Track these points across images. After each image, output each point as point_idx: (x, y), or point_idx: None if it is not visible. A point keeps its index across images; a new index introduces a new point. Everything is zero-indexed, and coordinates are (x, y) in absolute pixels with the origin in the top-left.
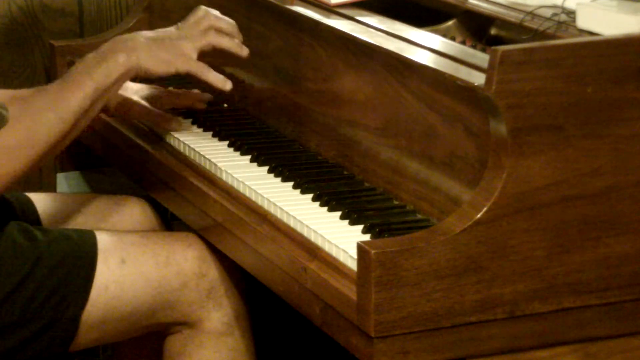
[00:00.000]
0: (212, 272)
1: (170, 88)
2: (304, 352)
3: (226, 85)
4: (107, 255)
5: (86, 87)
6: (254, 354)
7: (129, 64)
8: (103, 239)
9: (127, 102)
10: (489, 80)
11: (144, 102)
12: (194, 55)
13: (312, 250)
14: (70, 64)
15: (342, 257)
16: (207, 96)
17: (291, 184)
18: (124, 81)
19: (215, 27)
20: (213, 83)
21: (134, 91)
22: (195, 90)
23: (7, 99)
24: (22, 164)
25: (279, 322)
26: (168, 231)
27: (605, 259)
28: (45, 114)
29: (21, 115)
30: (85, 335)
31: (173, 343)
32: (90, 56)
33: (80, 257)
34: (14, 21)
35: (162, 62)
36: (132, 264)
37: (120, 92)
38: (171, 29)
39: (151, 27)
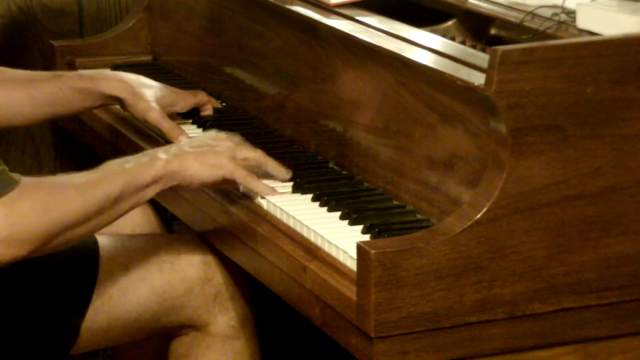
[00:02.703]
0: (218, 276)
1: (187, 92)
2: (309, 354)
3: (286, 175)
4: (111, 262)
5: (117, 176)
6: (260, 357)
7: (168, 167)
8: (106, 245)
9: (143, 105)
10: (489, 80)
11: (157, 108)
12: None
13: (312, 251)
14: (70, 64)
15: (341, 257)
16: (217, 104)
17: (291, 184)
18: (164, 186)
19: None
20: (275, 174)
21: (153, 95)
22: (204, 96)
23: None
24: (35, 232)
25: (284, 325)
26: (170, 234)
27: (605, 259)
28: (67, 190)
29: (41, 184)
30: (88, 341)
31: (179, 345)
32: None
33: (82, 264)
34: (14, 21)
35: (209, 167)
36: (135, 271)
37: (142, 92)
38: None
39: (151, 27)
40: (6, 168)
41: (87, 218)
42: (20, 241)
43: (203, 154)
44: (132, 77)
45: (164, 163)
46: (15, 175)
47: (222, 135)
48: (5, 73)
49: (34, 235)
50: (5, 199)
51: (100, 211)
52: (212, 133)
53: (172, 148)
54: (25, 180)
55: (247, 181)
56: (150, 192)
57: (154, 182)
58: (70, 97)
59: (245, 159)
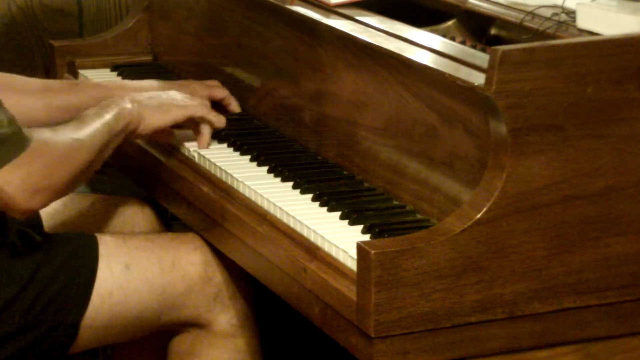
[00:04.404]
0: (218, 275)
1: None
2: (310, 353)
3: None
4: (111, 260)
5: (104, 126)
6: (261, 355)
7: (132, 114)
8: (106, 243)
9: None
10: (489, 80)
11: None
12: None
13: (312, 251)
14: (70, 64)
15: (342, 257)
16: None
17: (291, 184)
18: (128, 131)
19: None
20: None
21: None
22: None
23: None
24: (58, 179)
25: (285, 323)
26: (172, 233)
27: (605, 259)
28: (73, 144)
29: (56, 137)
30: (89, 339)
31: (180, 343)
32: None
33: (81, 262)
34: (14, 21)
35: (163, 112)
36: (136, 270)
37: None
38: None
39: (151, 27)
40: (19, 128)
41: (91, 164)
42: (42, 191)
43: (158, 104)
44: (147, 86)
45: (129, 112)
46: (26, 131)
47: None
48: (19, 80)
49: (55, 184)
50: (24, 155)
51: (97, 158)
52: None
53: (135, 96)
54: (36, 137)
55: (200, 114)
56: (121, 137)
57: (124, 129)
58: (86, 105)
59: (203, 97)
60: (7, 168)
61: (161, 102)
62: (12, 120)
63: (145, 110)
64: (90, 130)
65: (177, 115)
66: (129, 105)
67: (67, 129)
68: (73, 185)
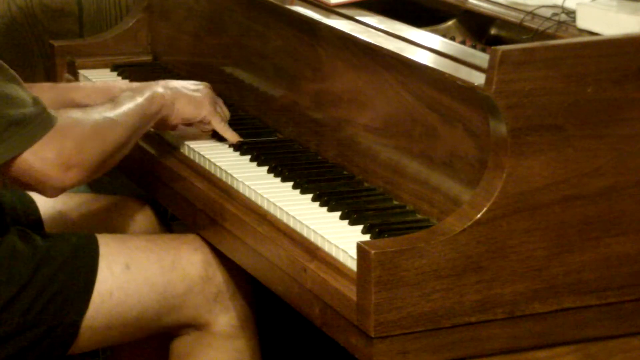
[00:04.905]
0: (218, 275)
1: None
2: (310, 353)
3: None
4: (111, 260)
5: (136, 109)
6: (260, 355)
7: (164, 100)
8: (106, 243)
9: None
10: (489, 80)
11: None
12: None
13: (312, 251)
14: (70, 64)
15: (342, 257)
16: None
17: (291, 184)
18: (160, 116)
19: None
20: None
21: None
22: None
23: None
24: (91, 154)
25: (285, 324)
26: (171, 233)
27: (605, 259)
28: (108, 123)
29: (85, 116)
30: (89, 339)
31: (180, 344)
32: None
33: (81, 262)
34: (14, 21)
35: (193, 106)
36: (136, 270)
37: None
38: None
39: (151, 27)
40: (44, 106)
41: (123, 144)
42: (76, 165)
43: (191, 94)
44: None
45: (162, 96)
46: (53, 112)
47: (202, 84)
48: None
49: (89, 159)
50: (54, 131)
51: (129, 139)
52: (192, 81)
53: (169, 83)
54: (64, 116)
55: (220, 124)
56: (153, 121)
57: (156, 113)
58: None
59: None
60: (37, 146)
61: (194, 95)
62: (36, 100)
63: (179, 98)
64: (123, 110)
65: (209, 111)
66: (161, 90)
67: (99, 109)
68: (105, 165)
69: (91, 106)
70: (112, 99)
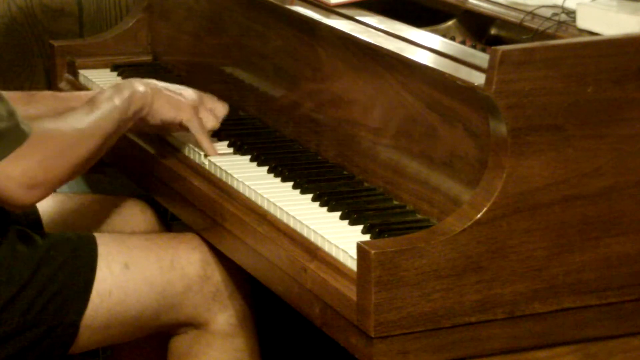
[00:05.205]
0: (217, 274)
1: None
2: (310, 353)
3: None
4: (110, 260)
5: (112, 113)
6: (260, 355)
7: (144, 99)
8: (105, 243)
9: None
10: (489, 80)
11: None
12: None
13: (312, 251)
14: (70, 64)
15: (342, 257)
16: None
17: (291, 184)
18: (139, 116)
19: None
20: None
21: None
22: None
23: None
24: (58, 172)
25: (284, 322)
26: (170, 233)
27: (605, 259)
28: (77, 134)
29: (58, 128)
30: (88, 339)
31: (179, 343)
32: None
33: (80, 262)
34: (14, 21)
35: (172, 108)
36: (135, 269)
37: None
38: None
39: (151, 27)
40: (19, 120)
41: (95, 154)
42: (40, 185)
43: (172, 95)
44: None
45: (142, 95)
46: (25, 126)
47: (189, 89)
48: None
49: (54, 178)
50: (22, 149)
51: (102, 145)
52: (179, 85)
53: (151, 83)
54: (36, 129)
55: (198, 132)
56: (132, 122)
57: (136, 112)
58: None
59: (211, 109)
60: (4, 162)
61: (173, 97)
62: (11, 114)
63: (158, 99)
64: (99, 116)
65: (188, 116)
66: (141, 89)
67: (75, 116)
68: (73, 175)
69: (68, 112)
70: (91, 101)
